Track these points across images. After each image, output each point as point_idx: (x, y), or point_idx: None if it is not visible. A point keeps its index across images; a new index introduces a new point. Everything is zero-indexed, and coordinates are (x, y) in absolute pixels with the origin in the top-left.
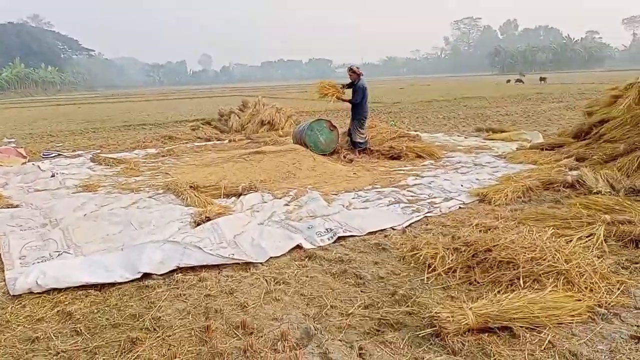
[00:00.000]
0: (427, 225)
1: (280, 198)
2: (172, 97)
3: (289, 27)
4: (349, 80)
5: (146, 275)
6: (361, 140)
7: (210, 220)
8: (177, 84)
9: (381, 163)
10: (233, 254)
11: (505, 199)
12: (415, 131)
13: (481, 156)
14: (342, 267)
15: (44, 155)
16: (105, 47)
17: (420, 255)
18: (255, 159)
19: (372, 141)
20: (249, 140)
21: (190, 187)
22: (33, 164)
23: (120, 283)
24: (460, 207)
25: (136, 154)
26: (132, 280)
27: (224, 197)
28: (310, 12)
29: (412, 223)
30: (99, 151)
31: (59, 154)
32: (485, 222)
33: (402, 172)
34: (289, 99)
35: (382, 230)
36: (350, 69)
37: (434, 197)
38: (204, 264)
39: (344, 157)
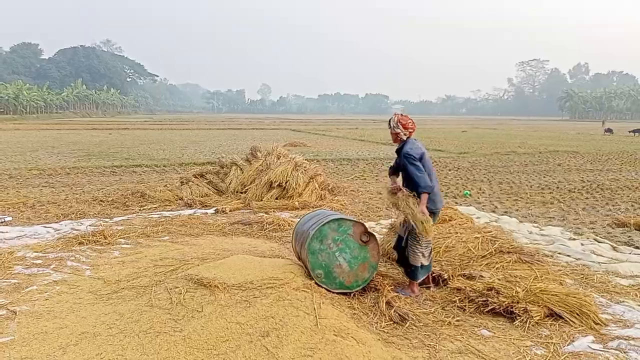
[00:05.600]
0: None
1: None
2: (215, 127)
3: (348, 60)
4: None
5: None
6: (425, 263)
7: None
8: (235, 112)
9: (470, 332)
10: None
11: None
12: (505, 212)
13: None
14: None
15: None
16: (171, 73)
17: None
18: (192, 302)
19: (446, 257)
20: (247, 212)
21: None
22: None
23: None
24: None
25: (55, 229)
26: None
27: None
28: (369, 46)
29: None
30: (9, 219)
31: None
32: None
33: None
34: (334, 136)
35: None
36: (393, 124)
37: None
38: None
39: (387, 304)
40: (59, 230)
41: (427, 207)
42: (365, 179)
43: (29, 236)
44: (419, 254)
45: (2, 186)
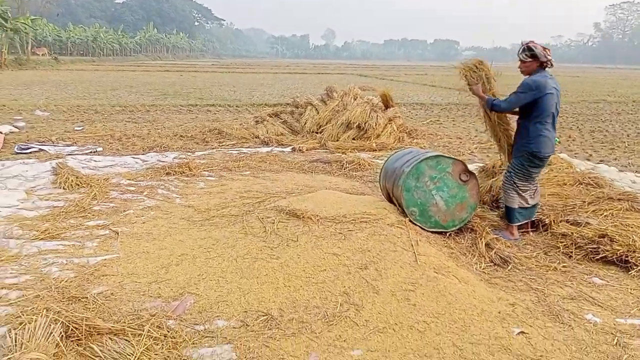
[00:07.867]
0: None
1: None
2: (280, 72)
3: (416, 5)
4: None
5: None
6: (525, 205)
7: None
8: (298, 57)
9: (580, 279)
10: None
11: None
12: (601, 160)
13: None
14: None
15: (18, 149)
16: (236, 17)
17: None
18: (286, 232)
19: (546, 202)
20: (323, 151)
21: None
22: None
23: None
24: None
25: (143, 160)
26: None
27: None
28: None
29: None
30: (100, 149)
31: (40, 149)
32: None
33: None
34: (402, 82)
35: None
36: (528, 49)
37: None
38: None
39: (486, 245)
40: (146, 161)
41: (532, 151)
42: (441, 123)
43: (119, 165)
44: (511, 194)
45: (90, 120)
